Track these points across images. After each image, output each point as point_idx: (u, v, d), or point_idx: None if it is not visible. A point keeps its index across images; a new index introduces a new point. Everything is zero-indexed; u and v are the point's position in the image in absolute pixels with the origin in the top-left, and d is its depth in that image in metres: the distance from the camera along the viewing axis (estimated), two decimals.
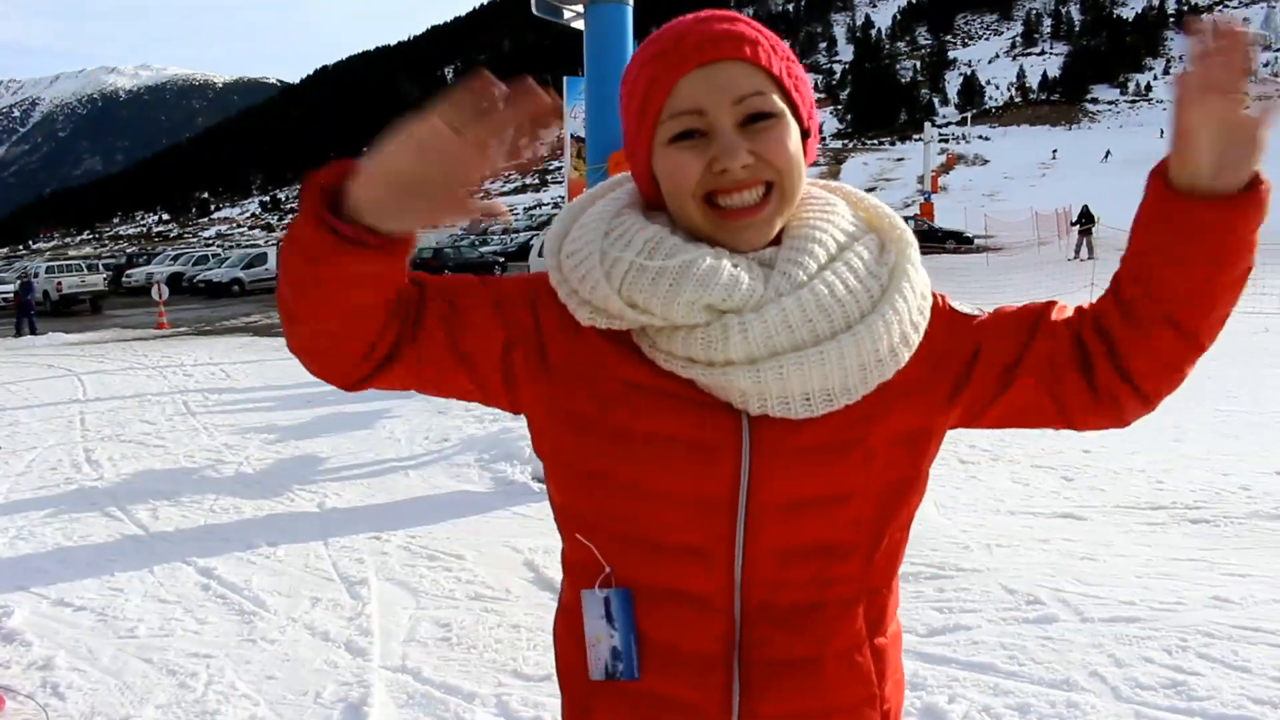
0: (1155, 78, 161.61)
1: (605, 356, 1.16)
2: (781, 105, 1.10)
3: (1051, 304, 1.24)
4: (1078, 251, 29.04)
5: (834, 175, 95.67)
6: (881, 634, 1.25)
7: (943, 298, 1.25)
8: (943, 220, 46.05)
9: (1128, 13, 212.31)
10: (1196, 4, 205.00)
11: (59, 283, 33.05)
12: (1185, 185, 1.06)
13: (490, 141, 0.91)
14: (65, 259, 39.29)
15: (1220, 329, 1.16)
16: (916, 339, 1.15)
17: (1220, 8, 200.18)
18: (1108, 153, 77.91)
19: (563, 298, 1.15)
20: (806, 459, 1.13)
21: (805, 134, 1.15)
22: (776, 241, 1.16)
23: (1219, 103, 0.99)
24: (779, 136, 1.09)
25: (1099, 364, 1.16)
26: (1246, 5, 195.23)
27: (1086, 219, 29.70)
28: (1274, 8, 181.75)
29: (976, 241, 41.15)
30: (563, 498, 1.25)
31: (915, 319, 1.15)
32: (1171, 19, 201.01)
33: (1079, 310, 1.22)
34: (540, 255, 23.92)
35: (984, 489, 5.79)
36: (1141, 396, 1.17)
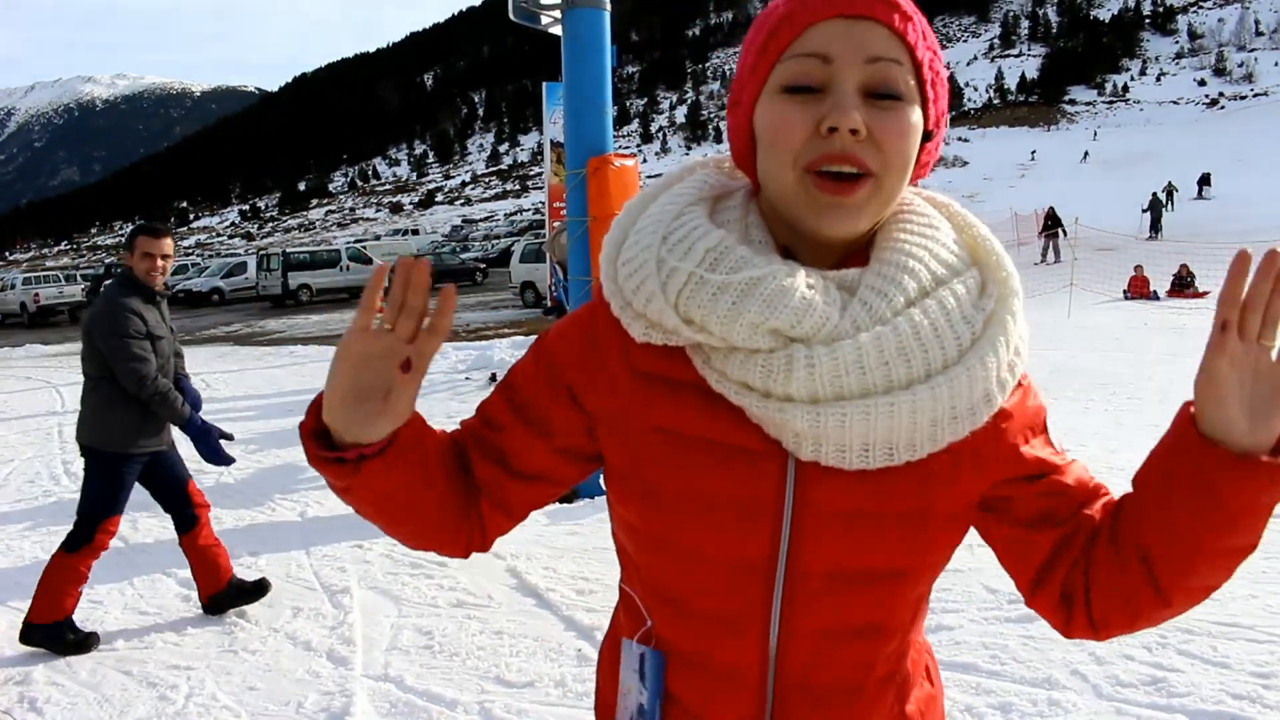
0: (1132, 78, 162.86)
1: (642, 400, 1.05)
2: (913, 91, 0.97)
3: (1098, 494, 1.10)
4: (1045, 255, 28.61)
5: None
6: (912, 698, 1.15)
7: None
8: None
9: (1104, 14, 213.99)
10: (1171, 6, 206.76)
11: (36, 294, 32.80)
12: (1213, 435, 0.92)
13: (398, 322, 0.94)
14: (43, 270, 38.96)
15: (1198, 600, 1.03)
16: (1001, 399, 1.01)
17: (1195, 9, 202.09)
18: (1086, 153, 78.41)
19: (616, 311, 1.04)
20: (857, 524, 1.01)
21: (927, 136, 1.02)
22: (863, 259, 1.02)
23: (1247, 347, 0.89)
24: (900, 122, 0.96)
25: (1072, 568, 1.06)
26: (1221, 6, 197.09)
27: (1053, 222, 29.41)
28: (1247, 9, 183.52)
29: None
30: (616, 537, 1.19)
31: (1004, 376, 1.00)
32: (1147, 20, 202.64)
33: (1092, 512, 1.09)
34: (521, 261, 23.68)
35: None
36: (1089, 618, 1.06)
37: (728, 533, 1.02)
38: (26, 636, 4.35)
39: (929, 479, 1.01)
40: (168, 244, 4.45)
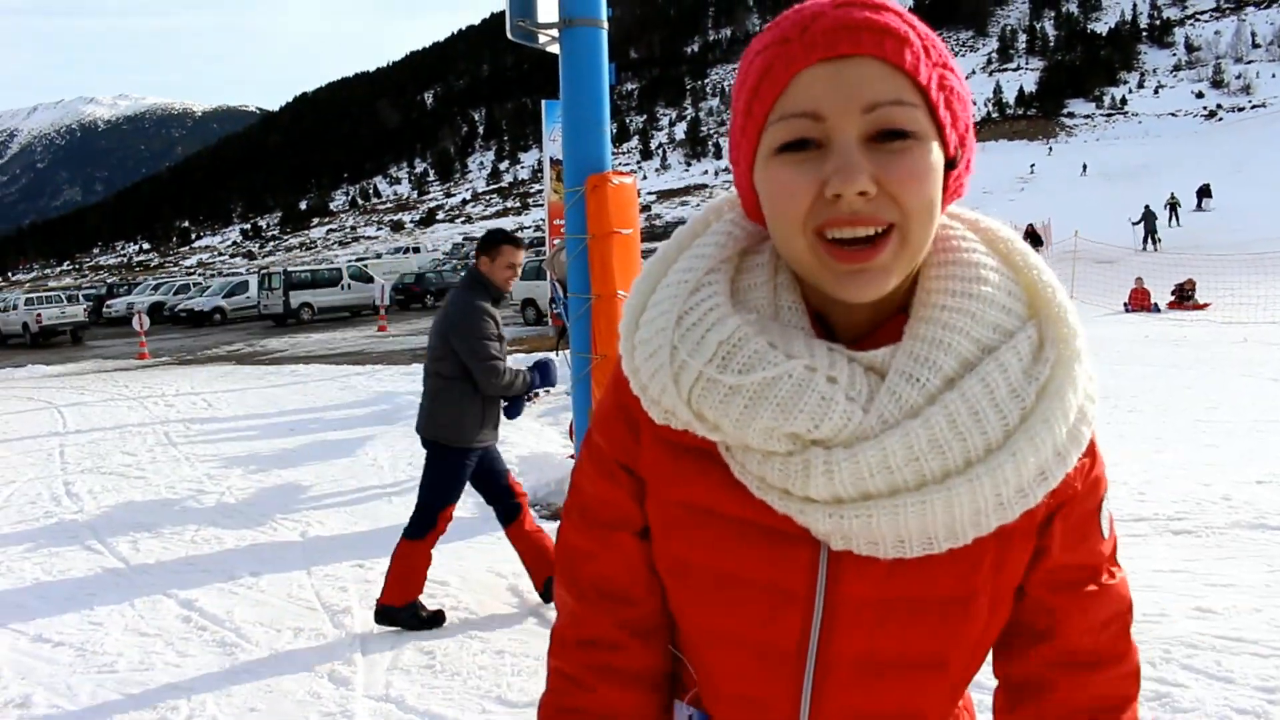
0: (1130, 91, 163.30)
1: (668, 470, 1.00)
2: (925, 124, 0.86)
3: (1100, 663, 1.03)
4: None
5: None
6: None
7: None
8: None
9: (1101, 27, 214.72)
10: (1169, 18, 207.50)
11: (38, 314, 32.82)
12: None
13: None
14: (45, 290, 39.02)
15: None
16: (1061, 473, 0.89)
17: (1191, 22, 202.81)
18: (1084, 166, 78.52)
19: (635, 390, 0.97)
20: (894, 612, 0.93)
21: (950, 163, 0.90)
22: (895, 333, 0.92)
23: None
24: (913, 164, 0.85)
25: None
26: (1217, 19, 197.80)
27: (1032, 240, 27.50)
28: (1244, 21, 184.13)
29: None
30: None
31: (1062, 445, 0.89)
32: (1145, 33, 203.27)
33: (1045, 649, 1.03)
34: (521, 279, 23.71)
35: None
36: None
37: (756, 618, 0.96)
38: (384, 618, 4.71)
39: (975, 564, 0.92)
40: (522, 254, 4.93)
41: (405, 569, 4.70)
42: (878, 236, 0.85)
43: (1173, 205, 42.70)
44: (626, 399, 1.01)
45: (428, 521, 4.71)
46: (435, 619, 4.77)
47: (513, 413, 5.00)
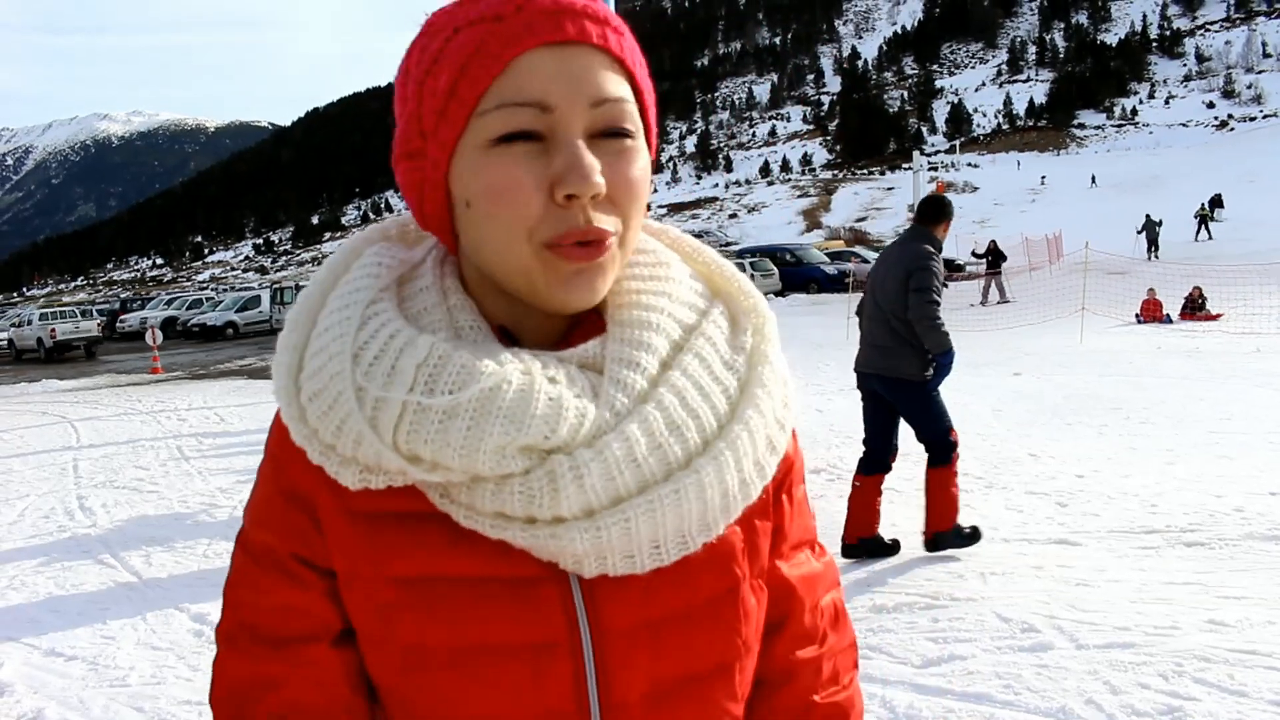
0: (1140, 102, 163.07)
1: (372, 546, 0.83)
2: (638, 122, 0.81)
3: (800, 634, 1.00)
4: (985, 295, 24.54)
5: (824, 206, 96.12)
6: None
7: None
8: None
9: (1111, 38, 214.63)
10: (1179, 29, 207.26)
11: (53, 329, 33.00)
12: None
13: None
14: (59, 305, 39.28)
15: None
16: (784, 440, 0.88)
17: (1201, 32, 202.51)
18: (1094, 178, 78.43)
19: (315, 458, 0.82)
20: (668, 630, 0.85)
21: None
22: (595, 324, 0.86)
23: None
24: (634, 166, 0.80)
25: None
26: (1227, 29, 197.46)
27: (995, 258, 26.27)
28: (1254, 31, 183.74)
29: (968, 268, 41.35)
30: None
31: (780, 414, 0.87)
32: (1155, 43, 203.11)
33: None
34: None
35: (978, 517, 5.77)
36: None
37: (521, 686, 0.82)
38: (935, 545, 5.28)
39: (729, 553, 0.88)
40: None
41: (942, 496, 5.26)
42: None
43: (1202, 217, 42.38)
44: (291, 480, 0.87)
45: (946, 447, 5.26)
46: (976, 534, 5.34)
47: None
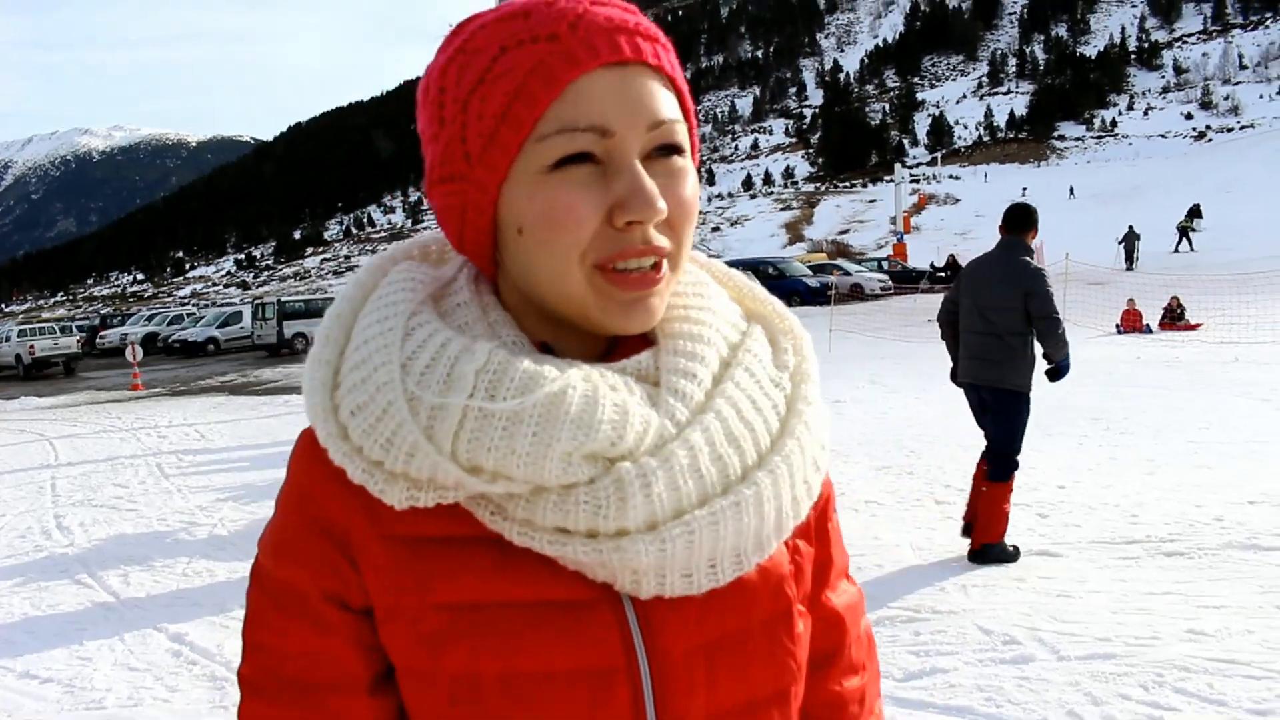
0: (1119, 113, 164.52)
1: (417, 572, 0.80)
2: (686, 139, 0.81)
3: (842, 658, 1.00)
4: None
5: (807, 219, 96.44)
6: None
7: None
8: (916, 260, 46.42)
9: (1090, 50, 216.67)
10: (1157, 41, 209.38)
11: (31, 346, 32.76)
12: None
13: None
14: (39, 321, 38.96)
15: None
16: (826, 461, 0.87)
17: (1179, 44, 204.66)
18: (1071, 189, 79.08)
19: (357, 478, 0.77)
20: (724, 652, 0.83)
21: None
22: (640, 343, 0.84)
23: None
24: (687, 185, 0.80)
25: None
26: (1204, 41, 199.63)
27: (952, 271, 25.81)
28: (1230, 43, 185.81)
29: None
30: None
31: (823, 435, 0.87)
32: (1133, 55, 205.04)
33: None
34: None
35: (959, 529, 5.78)
36: None
37: (576, 713, 0.79)
38: (981, 556, 5.37)
39: (780, 574, 0.87)
40: None
41: (997, 510, 5.38)
42: (654, 263, 0.79)
43: (1184, 229, 42.65)
44: (320, 508, 0.83)
45: (1011, 465, 5.48)
46: (1016, 553, 5.43)
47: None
